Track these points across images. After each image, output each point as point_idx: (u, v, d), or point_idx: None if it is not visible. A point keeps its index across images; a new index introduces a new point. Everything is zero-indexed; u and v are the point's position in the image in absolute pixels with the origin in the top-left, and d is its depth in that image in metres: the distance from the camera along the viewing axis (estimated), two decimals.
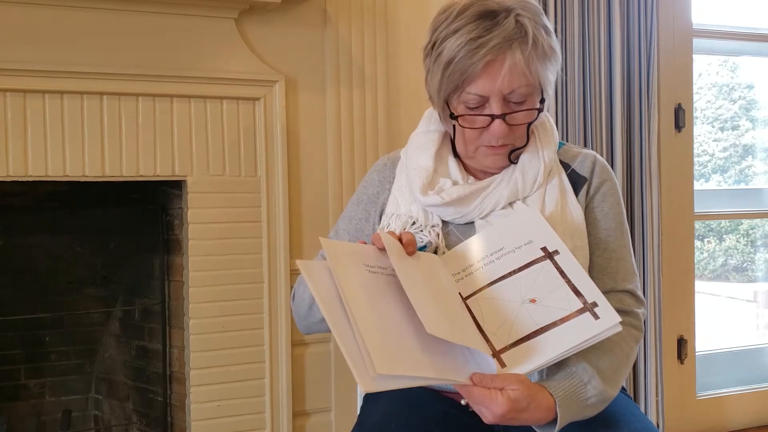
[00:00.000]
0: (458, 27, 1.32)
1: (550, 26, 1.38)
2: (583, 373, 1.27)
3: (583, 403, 1.25)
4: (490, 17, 1.30)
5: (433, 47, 1.36)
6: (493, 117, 1.33)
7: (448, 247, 1.39)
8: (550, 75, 1.37)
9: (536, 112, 1.35)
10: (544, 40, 1.33)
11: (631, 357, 1.36)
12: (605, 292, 1.40)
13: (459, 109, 1.36)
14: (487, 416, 1.19)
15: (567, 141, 2.60)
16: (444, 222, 1.41)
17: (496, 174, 1.43)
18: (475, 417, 1.39)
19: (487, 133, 1.35)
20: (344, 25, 2.41)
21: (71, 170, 2.11)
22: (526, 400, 1.18)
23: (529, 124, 1.37)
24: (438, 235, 1.39)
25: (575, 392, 1.25)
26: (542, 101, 1.36)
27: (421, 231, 1.40)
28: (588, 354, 1.28)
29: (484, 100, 1.33)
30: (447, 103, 1.37)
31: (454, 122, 1.37)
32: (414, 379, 1.12)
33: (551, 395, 1.22)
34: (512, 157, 1.40)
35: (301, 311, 1.48)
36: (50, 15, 2.09)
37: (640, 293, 1.44)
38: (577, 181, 1.44)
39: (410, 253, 1.27)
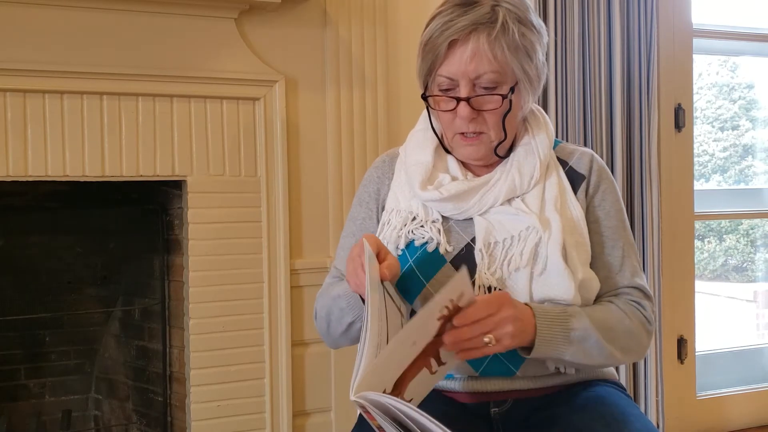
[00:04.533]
0: (440, 12, 1.37)
1: (536, 22, 1.39)
2: (571, 308, 1.31)
3: (565, 331, 1.28)
4: (469, 4, 1.34)
5: (422, 34, 1.40)
6: (458, 99, 1.35)
7: (449, 242, 1.39)
8: (527, 66, 1.36)
9: (502, 98, 1.35)
10: (516, 30, 1.34)
11: (634, 333, 1.37)
12: (619, 288, 1.42)
13: (433, 92, 1.39)
14: (508, 329, 1.22)
15: (567, 140, 2.60)
16: (444, 218, 1.41)
17: (493, 168, 1.43)
18: (475, 416, 1.39)
19: (457, 118, 1.37)
20: (344, 25, 2.41)
21: (71, 170, 2.11)
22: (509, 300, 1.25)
23: (504, 117, 1.37)
24: (439, 230, 1.39)
25: (559, 318, 1.29)
26: (512, 90, 1.36)
27: (422, 227, 1.40)
28: (583, 305, 1.34)
29: (454, 84, 1.36)
30: (426, 85, 1.41)
31: (426, 103, 1.41)
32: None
33: (532, 310, 1.27)
34: (498, 151, 1.41)
35: (323, 326, 1.46)
36: (50, 15, 2.09)
37: (648, 289, 1.45)
38: (575, 179, 1.45)
39: (384, 277, 1.24)
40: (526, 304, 1.29)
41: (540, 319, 1.27)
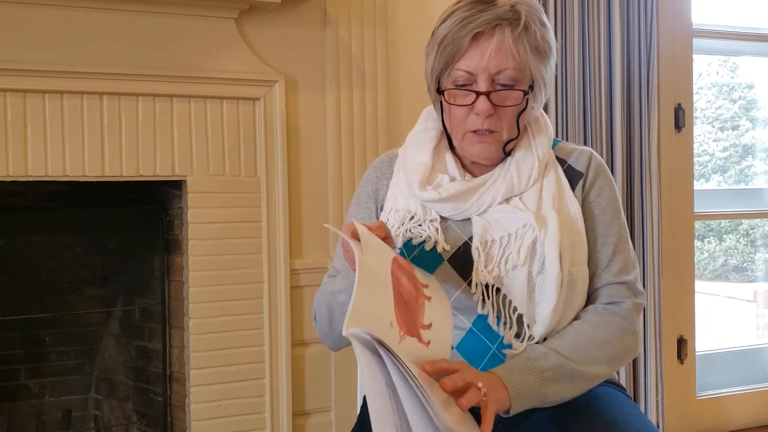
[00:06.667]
0: (457, 8, 1.37)
1: (548, 24, 1.40)
2: (532, 351, 1.29)
3: (539, 375, 1.25)
4: (488, 2, 1.35)
5: (433, 34, 1.40)
6: (478, 93, 1.34)
7: (447, 241, 1.39)
8: (543, 69, 1.38)
9: (522, 95, 1.36)
10: (537, 30, 1.35)
11: (611, 342, 1.35)
12: (602, 286, 1.41)
13: (447, 86, 1.38)
14: (483, 377, 1.19)
15: (567, 140, 2.60)
16: (442, 217, 1.41)
17: (491, 169, 1.43)
18: (474, 417, 1.39)
19: (472, 114, 1.36)
20: (344, 25, 2.41)
21: (71, 170, 2.11)
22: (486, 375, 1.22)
23: (519, 115, 1.37)
24: (437, 229, 1.39)
25: (525, 367, 1.25)
26: (531, 88, 1.36)
27: (420, 225, 1.40)
28: (550, 339, 1.33)
29: (471, 79, 1.35)
30: (438, 82, 1.40)
31: (440, 97, 1.40)
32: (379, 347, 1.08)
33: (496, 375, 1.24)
34: (506, 149, 1.41)
35: (324, 325, 1.44)
36: (50, 15, 2.09)
37: (638, 285, 1.43)
38: (573, 177, 1.45)
39: (380, 236, 1.24)
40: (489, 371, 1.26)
41: (506, 378, 1.23)
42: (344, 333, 1.04)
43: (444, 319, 1.24)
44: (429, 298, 1.22)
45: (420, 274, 1.26)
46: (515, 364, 1.27)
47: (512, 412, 1.24)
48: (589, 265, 1.40)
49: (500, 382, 1.23)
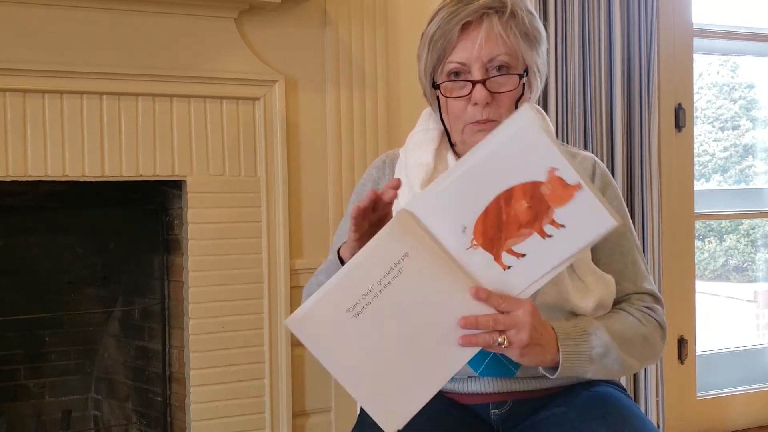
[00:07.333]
0: (441, 8, 1.38)
1: (535, 13, 1.41)
2: (588, 324, 1.28)
3: (588, 350, 1.25)
4: None
5: (422, 36, 1.41)
6: (473, 82, 1.34)
7: None
8: (535, 55, 1.38)
9: (518, 79, 1.35)
10: (525, 16, 1.36)
11: (649, 339, 1.36)
12: (627, 295, 1.41)
13: (442, 80, 1.39)
14: (522, 336, 1.15)
15: (567, 141, 2.60)
16: None
17: None
18: (475, 417, 1.39)
19: (470, 105, 1.36)
20: (344, 25, 2.41)
21: (71, 170, 2.11)
22: (540, 321, 1.19)
23: (517, 102, 1.37)
24: None
25: (580, 338, 1.26)
26: (525, 73, 1.37)
27: None
28: (599, 317, 1.32)
29: (465, 70, 1.35)
30: (432, 78, 1.40)
31: (437, 92, 1.39)
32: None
33: (554, 331, 1.23)
34: None
35: None
36: (50, 15, 2.09)
37: (657, 293, 1.45)
38: None
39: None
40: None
41: (562, 340, 1.23)
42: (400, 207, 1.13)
43: (547, 261, 1.14)
44: (546, 236, 1.13)
45: (563, 213, 1.12)
46: (573, 330, 1.26)
47: (556, 375, 1.24)
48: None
49: (554, 340, 1.22)
